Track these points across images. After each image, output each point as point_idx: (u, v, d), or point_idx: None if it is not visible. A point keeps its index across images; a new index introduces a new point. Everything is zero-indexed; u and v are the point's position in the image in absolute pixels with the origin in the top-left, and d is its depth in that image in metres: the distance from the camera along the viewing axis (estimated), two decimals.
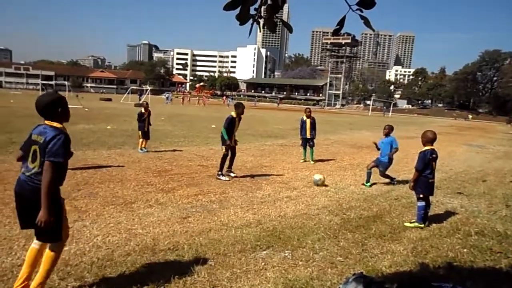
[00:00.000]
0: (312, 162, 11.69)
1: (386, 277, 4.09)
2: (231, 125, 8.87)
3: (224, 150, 8.90)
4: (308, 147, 11.88)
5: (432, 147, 6.12)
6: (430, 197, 6.27)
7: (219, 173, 8.78)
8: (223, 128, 8.84)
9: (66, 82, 44.56)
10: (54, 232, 3.18)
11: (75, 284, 3.60)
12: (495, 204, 7.82)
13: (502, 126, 56.74)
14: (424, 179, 6.07)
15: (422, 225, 5.94)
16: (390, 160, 9.02)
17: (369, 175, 8.96)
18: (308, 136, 11.79)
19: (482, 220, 6.56)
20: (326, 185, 8.54)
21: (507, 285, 4.10)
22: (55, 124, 3.16)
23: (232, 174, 9.02)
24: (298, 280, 3.92)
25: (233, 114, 8.94)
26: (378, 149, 9.19)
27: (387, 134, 9.14)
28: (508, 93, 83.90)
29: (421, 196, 6.04)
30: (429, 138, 6.12)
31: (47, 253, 3.23)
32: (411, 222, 6.08)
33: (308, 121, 11.81)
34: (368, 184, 8.89)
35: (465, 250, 5.10)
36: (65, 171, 3.25)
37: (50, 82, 61.07)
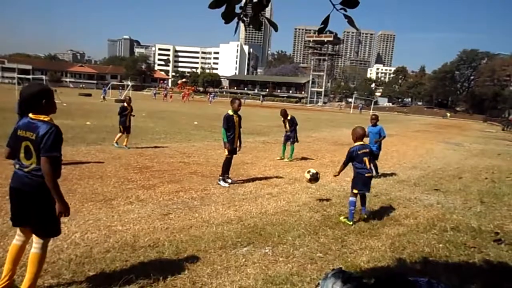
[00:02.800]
0: (288, 160, 11.63)
1: (364, 272, 4.16)
2: (230, 124, 7.94)
3: (226, 153, 8.05)
4: (288, 144, 11.87)
5: (362, 143, 6.24)
6: (409, 194, 6.38)
7: (220, 178, 8.04)
8: (222, 128, 7.99)
9: (43, 77, 43.44)
10: (54, 226, 3.18)
11: (53, 282, 3.54)
12: (470, 200, 8.04)
13: (478, 124, 58.24)
14: (360, 175, 6.12)
15: (351, 223, 5.86)
16: (379, 148, 9.49)
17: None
18: (289, 133, 11.82)
19: (457, 216, 6.73)
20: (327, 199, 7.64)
21: (480, 279, 4.23)
22: (42, 117, 3.08)
23: (228, 181, 8.09)
24: (278, 276, 3.95)
25: (230, 111, 8.03)
26: (367, 136, 9.38)
27: (374, 124, 9.58)
28: (485, 92, 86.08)
29: (354, 191, 6.12)
30: (359, 134, 6.26)
31: (34, 255, 3.14)
32: (344, 217, 6.07)
33: (286, 121, 11.86)
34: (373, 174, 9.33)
35: (440, 245, 5.24)
36: (61, 163, 3.20)
37: (27, 76, 59.43)
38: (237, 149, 8.27)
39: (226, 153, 8.05)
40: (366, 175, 6.14)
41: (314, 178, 7.32)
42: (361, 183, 6.13)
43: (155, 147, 12.34)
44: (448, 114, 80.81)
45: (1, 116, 15.93)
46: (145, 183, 7.57)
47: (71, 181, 7.29)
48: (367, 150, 6.24)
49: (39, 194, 3.02)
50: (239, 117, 8.17)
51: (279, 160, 11.70)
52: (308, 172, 7.37)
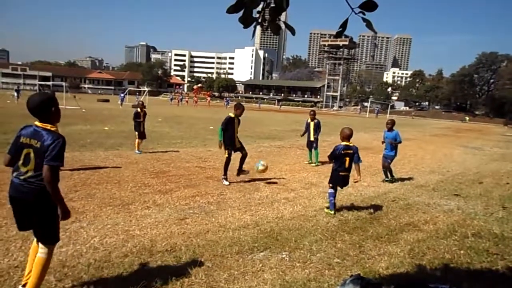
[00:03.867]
0: (315, 164, 11.70)
1: (383, 278, 4.10)
2: (229, 126, 8.49)
3: (226, 154, 8.53)
4: (313, 150, 11.93)
5: (348, 143, 6.55)
6: (428, 199, 6.29)
7: (223, 177, 8.55)
8: (219, 128, 8.62)
9: (63, 83, 44.27)
10: (53, 234, 3.23)
11: (72, 285, 3.59)
12: (491, 205, 7.85)
13: (499, 128, 56.96)
14: (335, 173, 6.61)
15: (332, 212, 6.48)
16: (395, 152, 9.72)
17: (385, 173, 9.77)
18: (312, 138, 11.84)
19: (478, 222, 6.58)
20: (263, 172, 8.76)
21: (504, 286, 4.12)
22: (49, 126, 3.11)
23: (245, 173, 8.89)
24: (296, 281, 3.92)
25: (231, 114, 8.58)
26: (383, 142, 9.86)
27: (390, 129, 9.56)
28: (505, 96, 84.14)
29: (330, 185, 6.67)
30: (345, 135, 6.62)
31: (38, 259, 3.20)
32: (327, 208, 6.66)
33: (312, 123, 11.89)
34: (388, 179, 9.68)
35: (461, 251, 5.12)
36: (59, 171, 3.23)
37: (48, 83, 60.80)
38: (241, 148, 8.85)
39: (226, 154, 8.57)
40: (341, 173, 6.56)
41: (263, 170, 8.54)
42: (335, 180, 6.65)
43: (172, 151, 12.44)
44: (467, 118, 79.26)
45: (24, 122, 16.30)
46: (162, 188, 7.63)
47: (89, 185, 7.40)
48: (351, 151, 6.57)
49: (36, 202, 3.06)
50: (239, 120, 8.82)
51: (307, 164, 11.91)
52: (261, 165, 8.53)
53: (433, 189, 9.16)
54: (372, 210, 6.93)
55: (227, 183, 8.43)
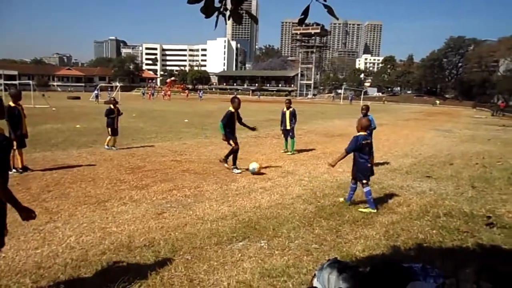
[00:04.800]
0: (291, 153, 11.79)
1: (360, 261, 4.20)
2: (230, 120, 8.86)
3: (233, 144, 8.87)
4: (289, 138, 12.00)
5: (365, 133, 6.37)
6: (401, 182, 6.46)
7: (233, 167, 8.92)
8: (220, 122, 8.91)
9: (30, 82, 42.74)
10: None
11: (49, 287, 3.53)
12: (461, 186, 8.13)
13: (467, 111, 58.70)
14: (363, 164, 6.27)
15: (375, 210, 6.12)
16: (370, 136, 9.60)
17: None
18: (288, 127, 11.91)
19: (449, 202, 6.81)
20: (262, 173, 8.73)
21: (474, 263, 4.29)
22: None
23: (226, 165, 9.09)
24: (275, 268, 3.98)
25: (231, 109, 8.89)
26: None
27: (365, 114, 9.69)
28: (473, 79, 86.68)
29: (364, 181, 6.25)
30: (364, 125, 6.39)
31: None
32: (365, 208, 6.23)
33: (287, 112, 11.95)
34: None
35: (434, 231, 5.30)
36: (6, 170, 3.04)
37: (14, 82, 58.60)
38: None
39: (233, 144, 8.86)
40: (369, 165, 6.31)
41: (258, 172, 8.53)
42: (366, 171, 6.29)
43: (147, 146, 12.29)
44: (438, 102, 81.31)
45: None
46: (138, 183, 7.54)
47: (63, 185, 7.23)
48: (369, 140, 6.36)
49: None
50: (238, 113, 9.06)
51: (283, 152, 11.97)
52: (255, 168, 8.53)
53: (406, 172, 9.40)
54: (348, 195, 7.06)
55: (238, 171, 8.79)
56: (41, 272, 3.79)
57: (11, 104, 8.07)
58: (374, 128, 9.90)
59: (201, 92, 74.55)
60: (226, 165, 9.03)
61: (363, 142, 6.23)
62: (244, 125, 9.31)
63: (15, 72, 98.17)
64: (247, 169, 8.75)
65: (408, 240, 4.94)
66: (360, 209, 6.21)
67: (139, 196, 6.68)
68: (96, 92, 48.89)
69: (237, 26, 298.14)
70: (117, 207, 6.00)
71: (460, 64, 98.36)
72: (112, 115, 11.70)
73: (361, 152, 6.25)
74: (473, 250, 4.72)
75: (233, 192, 7.16)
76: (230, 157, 9.00)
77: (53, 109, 28.78)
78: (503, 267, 4.12)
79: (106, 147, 11.47)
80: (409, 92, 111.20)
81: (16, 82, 58.10)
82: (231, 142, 8.91)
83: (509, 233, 5.25)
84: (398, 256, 4.40)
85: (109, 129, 11.62)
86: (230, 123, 8.89)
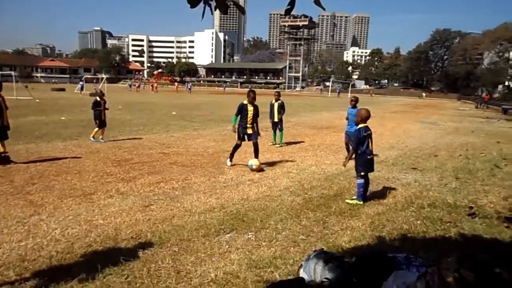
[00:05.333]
0: (279, 145, 11.83)
1: (346, 252, 4.26)
2: (241, 112, 8.47)
3: (237, 140, 8.59)
4: (277, 131, 12.02)
5: (366, 125, 6.26)
6: (388, 174, 6.52)
7: (229, 158, 8.83)
8: (234, 115, 8.68)
9: (12, 73, 41.85)
10: None
11: (34, 279, 3.49)
12: (445, 177, 8.27)
13: (452, 103, 59.57)
14: (363, 157, 6.21)
15: (361, 202, 6.13)
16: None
17: (348, 149, 9.63)
18: (276, 119, 11.92)
19: (434, 193, 6.93)
20: (263, 170, 8.39)
21: (456, 252, 4.38)
22: None
23: (230, 163, 8.81)
24: (262, 260, 4.01)
25: (245, 101, 8.54)
26: (347, 119, 9.82)
27: (354, 106, 9.72)
28: (458, 71, 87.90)
29: (361, 174, 6.23)
30: (364, 117, 6.24)
31: None
32: (351, 199, 6.27)
33: (276, 104, 11.95)
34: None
35: (418, 221, 5.39)
36: None
37: None
38: (252, 136, 8.55)
39: (237, 139, 8.59)
40: (369, 157, 6.23)
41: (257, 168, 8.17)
42: (364, 164, 6.22)
43: (134, 139, 12.19)
44: (424, 94, 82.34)
45: None
46: (125, 176, 7.49)
47: (48, 177, 7.14)
48: (370, 132, 6.25)
49: None
50: (255, 106, 8.52)
51: (272, 145, 11.95)
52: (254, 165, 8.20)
53: (392, 164, 9.52)
54: (335, 187, 7.14)
55: (229, 164, 8.71)
56: (25, 265, 3.75)
57: None
58: None
59: (190, 84, 73.94)
60: (228, 162, 8.80)
61: (365, 134, 6.15)
62: (256, 124, 8.68)
63: None
64: (247, 165, 8.48)
65: (393, 231, 5.01)
66: (346, 200, 6.26)
67: (126, 188, 6.63)
68: (81, 83, 48.65)
69: (224, 18, 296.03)
70: (104, 200, 5.96)
71: (445, 57, 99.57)
72: (99, 108, 11.56)
73: (361, 144, 6.17)
74: (455, 239, 4.82)
75: (221, 184, 7.16)
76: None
77: (37, 100, 28.28)
78: (484, 255, 4.23)
79: (92, 139, 11.34)
80: (396, 84, 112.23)
81: None
82: (236, 136, 8.63)
83: (490, 223, 5.37)
84: (383, 247, 4.47)
85: (97, 121, 11.48)
86: (241, 115, 8.49)
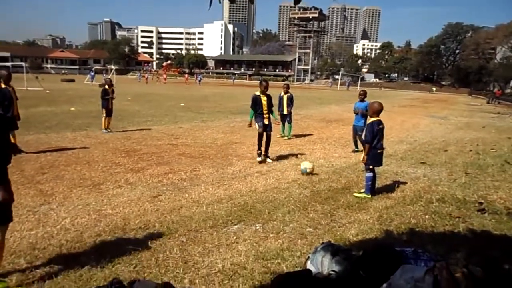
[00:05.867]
0: (287, 138, 11.81)
1: (353, 245, 4.25)
2: (255, 104, 8.33)
3: (258, 129, 8.36)
4: (286, 123, 11.99)
5: (379, 118, 6.19)
6: (396, 168, 6.48)
7: (258, 152, 8.50)
8: (251, 109, 8.46)
9: (23, 63, 42.11)
10: (6, 213, 3.09)
11: (44, 267, 3.54)
12: (455, 172, 8.19)
13: (463, 98, 58.83)
14: (373, 150, 6.14)
15: (369, 196, 6.11)
16: (365, 122, 9.55)
17: (355, 143, 9.95)
18: (285, 112, 11.89)
19: (443, 188, 6.87)
20: (315, 173, 7.58)
21: (465, 247, 4.36)
22: None
23: (268, 160, 8.59)
24: (269, 251, 4.02)
25: (257, 92, 8.42)
26: (356, 113, 9.87)
27: (362, 100, 9.71)
28: (470, 66, 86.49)
29: (370, 167, 6.19)
30: (376, 109, 6.16)
31: None
32: (359, 193, 6.26)
33: (285, 97, 11.92)
34: (358, 149, 9.78)
35: (426, 216, 5.36)
36: (7, 149, 3.04)
37: (6, 64, 57.74)
38: (268, 127, 8.45)
39: (258, 129, 8.35)
40: (379, 151, 6.19)
41: (308, 173, 7.39)
42: (373, 158, 6.17)
43: (142, 130, 12.25)
44: (434, 89, 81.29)
45: None
46: (134, 167, 7.54)
47: (58, 167, 7.22)
48: (382, 126, 6.20)
49: None
50: (268, 96, 8.41)
51: (280, 137, 11.90)
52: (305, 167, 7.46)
53: (401, 158, 9.45)
54: (343, 180, 7.12)
55: (259, 159, 8.42)
56: (36, 253, 3.81)
57: (2, 85, 7.96)
58: None
59: (200, 76, 73.77)
60: (269, 159, 8.58)
61: (378, 128, 6.09)
62: (272, 113, 8.62)
63: (8, 54, 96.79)
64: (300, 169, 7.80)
65: (401, 225, 4.99)
66: (354, 194, 6.25)
67: (134, 179, 6.68)
68: (92, 73, 49.42)
69: (234, 10, 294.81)
70: (113, 190, 6.01)
71: (457, 51, 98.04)
72: (107, 96, 11.67)
73: (374, 138, 6.11)
74: (464, 235, 4.78)
75: (229, 176, 7.18)
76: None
77: (47, 91, 28.51)
78: (493, 252, 4.19)
79: (103, 131, 11.42)
80: (406, 78, 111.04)
81: (9, 64, 57.41)
82: (256, 126, 8.40)
83: (500, 219, 5.32)
84: (390, 240, 4.45)
85: (104, 110, 11.59)
86: (258, 107, 8.33)
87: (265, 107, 8.35)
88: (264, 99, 8.35)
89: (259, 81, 9.25)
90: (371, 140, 6.08)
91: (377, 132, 6.08)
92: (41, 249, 3.89)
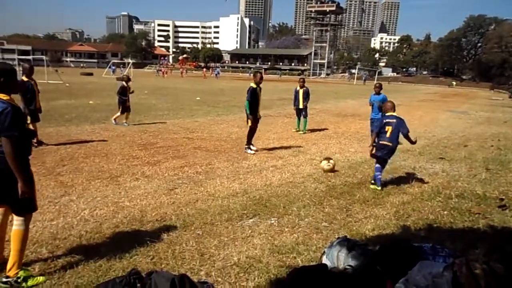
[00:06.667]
0: (303, 132, 11.76)
1: (369, 240, 4.22)
2: (253, 97, 8.34)
3: (249, 123, 8.49)
4: (302, 117, 11.95)
5: (392, 113, 6.40)
6: (414, 163, 6.42)
7: (246, 146, 8.72)
8: (246, 101, 8.39)
9: (44, 57, 42.87)
10: (31, 203, 3.15)
11: (65, 257, 3.62)
12: (475, 168, 8.03)
13: (485, 92, 57.52)
14: (378, 143, 6.38)
15: (379, 188, 6.19)
16: (382, 115, 9.55)
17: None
18: (301, 106, 11.84)
19: (462, 184, 6.75)
20: (336, 170, 7.35)
21: (484, 244, 4.28)
22: (1, 95, 2.97)
23: (253, 148, 8.76)
24: (284, 245, 4.02)
25: (253, 84, 8.40)
26: (371, 105, 9.93)
27: (378, 93, 9.67)
28: (492, 59, 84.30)
29: (374, 157, 6.45)
30: (388, 107, 6.53)
31: (15, 232, 3.12)
32: (372, 184, 6.36)
33: (301, 91, 11.86)
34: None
35: (445, 212, 5.28)
36: (28, 141, 3.10)
37: (28, 57, 58.95)
38: (259, 119, 8.77)
39: (250, 123, 8.50)
40: (381, 142, 6.31)
41: (330, 169, 7.19)
42: (379, 150, 6.37)
43: (159, 123, 12.36)
44: (454, 83, 79.59)
45: None
46: (150, 160, 7.62)
47: (77, 159, 7.35)
48: (393, 120, 6.29)
49: (7, 171, 2.92)
50: (260, 89, 8.59)
51: (295, 132, 11.92)
52: (327, 162, 7.26)
53: (419, 153, 9.31)
54: (359, 175, 7.06)
55: (251, 152, 8.57)
56: (57, 243, 3.89)
57: (24, 78, 8.14)
58: None
59: (218, 70, 73.57)
60: (249, 151, 8.64)
61: (384, 121, 6.38)
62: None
63: (29, 47, 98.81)
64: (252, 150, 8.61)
65: (419, 221, 4.93)
66: (371, 186, 6.29)
67: (151, 172, 6.75)
68: (113, 67, 52.64)
69: (250, 3, 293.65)
70: (130, 182, 6.09)
71: (479, 44, 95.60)
72: (125, 97, 11.79)
73: (381, 130, 6.34)
74: (484, 231, 4.69)
75: (244, 169, 7.20)
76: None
77: (67, 85, 28.99)
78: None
79: (113, 122, 11.67)
80: (425, 72, 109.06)
81: (30, 57, 58.50)
82: (249, 121, 8.49)
83: None
84: (408, 236, 4.40)
85: (120, 106, 11.75)
86: (253, 100, 8.37)
87: (260, 100, 8.55)
88: (259, 92, 8.50)
89: (254, 71, 9.37)
90: (376, 132, 6.42)
91: (384, 124, 6.29)
92: (61, 239, 3.98)
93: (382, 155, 6.33)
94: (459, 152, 9.68)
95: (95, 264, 3.48)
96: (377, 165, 6.32)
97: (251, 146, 8.78)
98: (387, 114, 6.48)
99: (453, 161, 8.62)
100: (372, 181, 6.34)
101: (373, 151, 6.45)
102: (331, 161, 7.28)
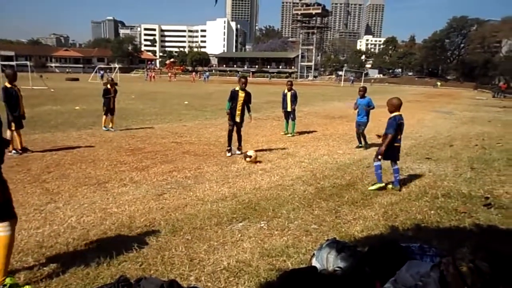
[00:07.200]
0: (291, 135, 11.80)
1: (358, 241, 4.25)
2: (232, 98, 8.57)
3: (228, 125, 8.75)
4: (290, 120, 11.98)
5: (400, 113, 6.26)
6: (401, 163, 6.46)
7: (227, 149, 8.83)
8: (227, 101, 8.71)
9: (28, 62, 42.37)
10: (7, 209, 3.06)
11: (51, 265, 3.57)
12: (461, 167, 8.15)
13: (469, 92, 58.42)
14: (390, 145, 6.20)
15: (383, 184, 6.27)
16: (368, 118, 9.92)
17: (359, 139, 10.04)
18: (289, 109, 11.88)
19: (448, 183, 6.84)
20: (259, 161, 8.13)
21: (471, 242, 4.34)
22: None
23: (237, 152, 8.88)
24: (274, 248, 4.02)
25: (237, 87, 8.62)
26: (355, 108, 10.07)
27: (362, 96, 9.76)
28: (475, 60, 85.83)
29: (379, 158, 6.27)
30: (396, 105, 6.23)
31: (0, 238, 3.03)
32: (373, 184, 6.38)
33: (289, 94, 11.89)
34: (361, 145, 9.96)
35: (432, 212, 5.34)
36: (1, 149, 3.03)
37: (11, 63, 57.99)
38: (239, 124, 8.82)
39: (228, 125, 8.74)
40: (395, 144, 6.25)
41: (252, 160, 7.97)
42: (391, 152, 6.27)
43: (146, 128, 12.29)
44: (439, 83, 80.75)
45: None
46: (138, 165, 7.56)
47: (63, 166, 7.26)
48: (403, 121, 6.26)
49: None
50: (246, 93, 8.64)
51: (284, 134, 11.96)
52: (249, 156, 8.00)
53: (406, 154, 9.40)
54: (347, 177, 7.11)
55: (229, 154, 8.69)
56: (43, 251, 3.83)
57: (7, 85, 8.02)
58: (373, 108, 10.00)
59: (207, 74, 73.53)
60: (238, 152, 8.87)
61: (399, 122, 6.17)
62: (248, 110, 8.86)
63: (12, 53, 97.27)
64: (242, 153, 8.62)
65: (406, 221, 4.98)
66: (369, 188, 6.32)
67: (139, 177, 6.70)
68: (101, 72, 53.53)
69: (236, 7, 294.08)
70: (118, 188, 6.03)
71: (462, 45, 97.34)
72: (108, 95, 11.75)
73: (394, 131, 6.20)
74: (470, 230, 4.76)
75: (233, 173, 7.19)
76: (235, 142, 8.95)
77: (52, 90, 28.63)
78: (499, 246, 4.17)
79: (104, 128, 11.57)
80: (410, 73, 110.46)
81: (14, 63, 57.61)
82: (228, 122, 8.75)
83: (507, 214, 5.29)
84: (396, 236, 4.44)
85: (105, 108, 11.68)
86: (233, 101, 8.59)
87: (239, 103, 8.57)
88: (241, 95, 8.57)
89: (239, 77, 9.47)
90: (394, 133, 6.12)
91: (397, 126, 6.13)
92: (48, 247, 3.92)
93: (394, 154, 6.34)
94: (445, 151, 9.82)
95: (82, 272, 3.43)
96: (379, 163, 6.29)
97: (236, 150, 8.89)
98: (396, 114, 6.19)
99: (439, 161, 8.74)
100: (382, 183, 6.33)
101: (382, 152, 6.21)
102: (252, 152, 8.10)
